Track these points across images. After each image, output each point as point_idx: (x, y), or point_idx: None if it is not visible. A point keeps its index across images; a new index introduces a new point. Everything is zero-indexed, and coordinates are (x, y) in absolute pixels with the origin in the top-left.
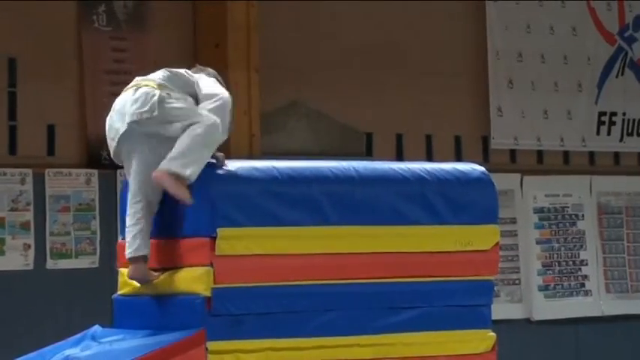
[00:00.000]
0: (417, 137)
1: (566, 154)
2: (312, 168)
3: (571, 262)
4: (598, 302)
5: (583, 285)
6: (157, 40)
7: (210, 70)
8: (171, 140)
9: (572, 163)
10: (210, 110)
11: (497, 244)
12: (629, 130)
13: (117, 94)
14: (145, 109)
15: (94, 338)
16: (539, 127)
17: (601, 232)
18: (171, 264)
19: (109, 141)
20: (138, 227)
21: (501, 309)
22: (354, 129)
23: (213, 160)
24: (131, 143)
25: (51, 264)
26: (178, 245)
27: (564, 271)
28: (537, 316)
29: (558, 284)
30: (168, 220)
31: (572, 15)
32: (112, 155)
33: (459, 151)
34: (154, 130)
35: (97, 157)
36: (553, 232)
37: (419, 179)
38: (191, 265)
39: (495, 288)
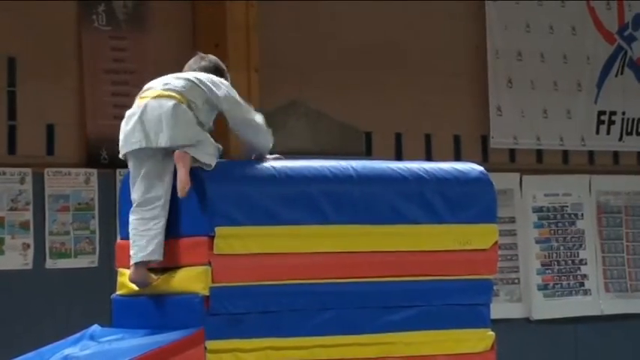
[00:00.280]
0: (417, 136)
1: (565, 154)
2: (311, 167)
3: (570, 262)
4: (597, 301)
5: (582, 284)
6: (156, 40)
7: (212, 57)
8: None
9: (572, 163)
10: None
11: (496, 243)
12: (629, 130)
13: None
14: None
15: (92, 338)
16: (538, 127)
17: (600, 231)
18: (169, 263)
19: (127, 136)
20: (152, 232)
21: (500, 308)
22: (353, 128)
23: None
24: (153, 151)
25: (50, 263)
26: (177, 244)
27: (563, 271)
28: (536, 316)
29: (557, 283)
30: (167, 219)
31: (572, 14)
32: (126, 147)
33: (458, 151)
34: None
35: (96, 156)
36: (552, 232)
37: (418, 178)
38: (189, 265)
39: (494, 287)
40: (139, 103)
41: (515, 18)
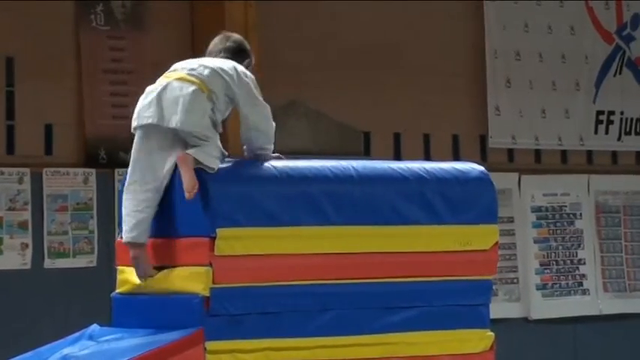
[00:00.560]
0: (415, 136)
1: (564, 153)
2: (312, 167)
3: (569, 261)
4: (596, 301)
5: (581, 284)
6: (154, 40)
7: (236, 37)
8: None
9: (570, 162)
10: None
11: (496, 243)
12: (627, 129)
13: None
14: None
15: (91, 337)
16: (536, 127)
17: (599, 231)
18: (170, 263)
19: (142, 109)
20: (142, 216)
21: (499, 308)
22: (352, 128)
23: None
24: (161, 129)
25: (49, 263)
26: (177, 245)
27: (562, 270)
28: (535, 315)
29: (556, 283)
30: (168, 219)
31: (570, 14)
32: (138, 120)
33: (456, 151)
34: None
35: (94, 156)
36: (551, 231)
37: (418, 179)
38: (190, 265)
39: (493, 287)
40: (161, 81)
41: (513, 18)
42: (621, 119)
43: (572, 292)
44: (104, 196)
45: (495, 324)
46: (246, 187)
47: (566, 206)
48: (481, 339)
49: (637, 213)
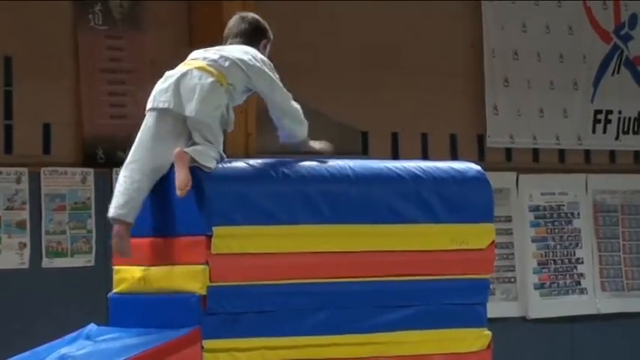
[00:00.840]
0: (413, 136)
1: (561, 153)
2: (309, 167)
3: (567, 261)
4: (593, 300)
5: (579, 283)
6: (152, 39)
7: (252, 17)
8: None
9: (568, 162)
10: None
11: (492, 242)
12: (625, 129)
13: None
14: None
15: (89, 337)
16: (534, 126)
17: (597, 230)
18: (166, 262)
19: (158, 93)
20: (135, 195)
21: (497, 307)
22: (350, 128)
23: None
24: (173, 115)
25: (47, 263)
26: (174, 243)
27: (560, 270)
28: (533, 315)
29: (554, 282)
30: (164, 218)
31: (568, 14)
32: (153, 103)
33: (454, 150)
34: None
35: (92, 155)
36: (549, 231)
37: (415, 178)
38: (187, 264)
39: (491, 286)
40: (181, 68)
41: (511, 18)
42: (619, 118)
43: (570, 291)
44: (102, 196)
45: (493, 323)
46: (243, 186)
47: (564, 205)
48: (478, 338)
49: (635, 212)
